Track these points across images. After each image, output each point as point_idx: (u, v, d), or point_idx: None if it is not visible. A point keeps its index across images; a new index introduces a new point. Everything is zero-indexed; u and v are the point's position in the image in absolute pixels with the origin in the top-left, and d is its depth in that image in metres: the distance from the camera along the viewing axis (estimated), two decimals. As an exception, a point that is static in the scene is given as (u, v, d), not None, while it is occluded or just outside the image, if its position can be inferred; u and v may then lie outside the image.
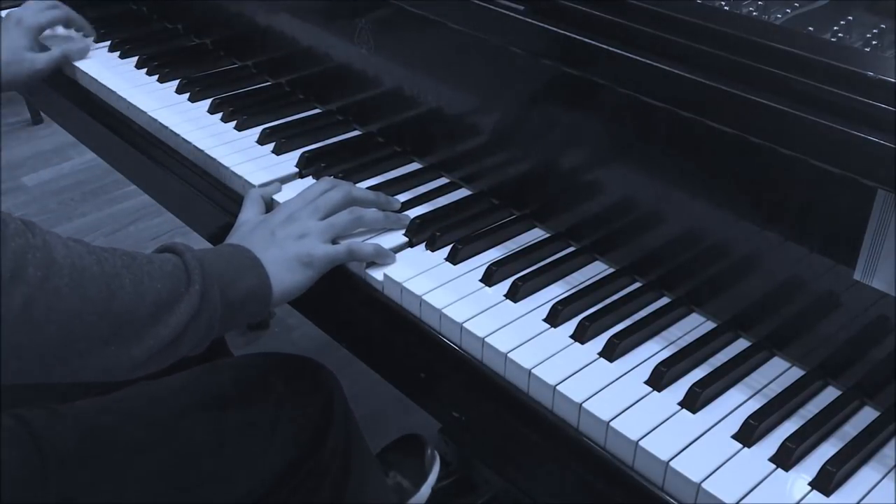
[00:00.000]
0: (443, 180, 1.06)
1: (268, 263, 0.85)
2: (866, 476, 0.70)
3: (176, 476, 0.87)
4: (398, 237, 0.95)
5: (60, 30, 1.39)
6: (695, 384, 0.76)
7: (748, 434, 0.72)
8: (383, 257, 0.91)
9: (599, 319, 0.83)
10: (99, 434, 0.85)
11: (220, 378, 0.96)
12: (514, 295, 0.86)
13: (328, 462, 0.96)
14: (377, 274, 0.90)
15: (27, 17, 1.28)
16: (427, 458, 1.40)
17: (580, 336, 0.82)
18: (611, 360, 0.80)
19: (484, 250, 0.93)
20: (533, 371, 0.78)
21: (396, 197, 1.01)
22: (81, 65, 1.32)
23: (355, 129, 1.17)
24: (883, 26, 0.82)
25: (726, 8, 0.85)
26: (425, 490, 1.36)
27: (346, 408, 1.00)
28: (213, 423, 0.91)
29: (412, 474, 1.38)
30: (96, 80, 1.28)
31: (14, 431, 0.80)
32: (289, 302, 1.11)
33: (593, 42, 0.82)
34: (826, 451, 0.72)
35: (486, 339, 0.81)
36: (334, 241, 0.92)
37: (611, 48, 0.80)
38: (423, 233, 0.95)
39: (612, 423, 0.73)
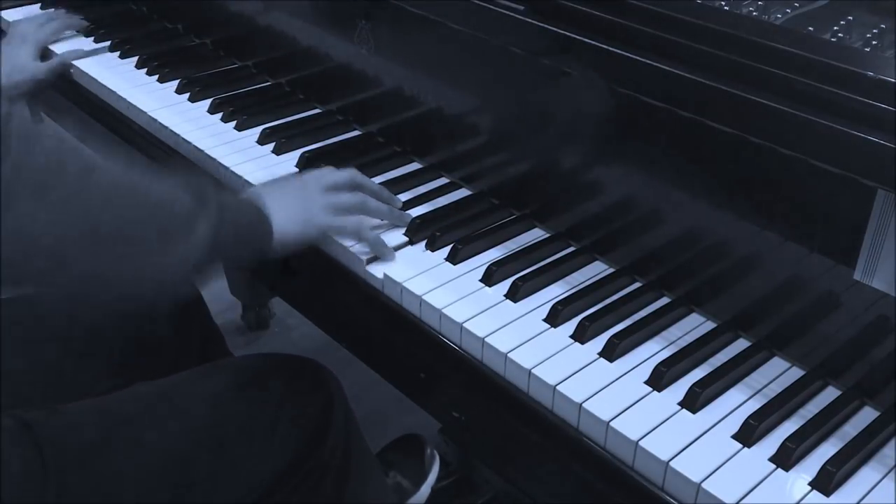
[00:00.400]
0: (443, 180, 1.06)
1: (272, 205, 0.89)
2: (866, 476, 0.70)
3: (176, 476, 0.87)
4: (398, 237, 0.95)
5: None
6: (695, 384, 0.76)
7: (748, 434, 0.72)
8: (382, 249, 0.92)
9: (599, 319, 0.83)
10: (99, 434, 0.85)
11: (219, 379, 0.96)
12: (514, 295, 0.86)
13: (328, 462, 0.96)
14: (377, 274, 0.90)
15: (30, 34, 1.34)
16: (427, 458, 1.40)
17: (580, 336, 0.82)
18: (611, 360, 0.80)
19: (484, 250, 0.93)
20: (533, 371, 0.78)
21: (397, 196, 1.01)
22: (81, 65, 1.32)
23: (355, 129, 1.17)
24: (883, 26, 0.82)
25: (726, 8, 0.85)
26: (425, 489, 1.37)
27: (347, 408, 1.00)
28: (212, 423, 0.91)
29: (412, 474, 1.38)
30: (96, 80, 1.28)
31: (14, 432, 0.80)
32: (289, 302, 1.11)
33: (593, 42, 0.82)
34: (826, 451, 0.72)
35: (486, 339, 0.81)
36: None
37: (611, 48, 0.80)
38: (423, 232, 0.95)
39: (612, 423, 0.73)
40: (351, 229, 0.93)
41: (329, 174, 0.97)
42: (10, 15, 1.49)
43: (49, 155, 0.70)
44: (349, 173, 0.97)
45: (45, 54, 1.35)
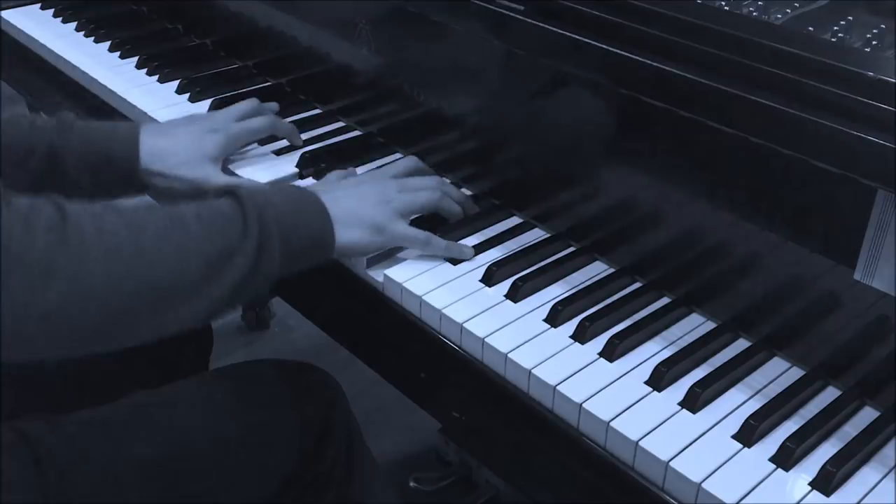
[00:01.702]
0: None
1: (339, 212, 0.85)
2: (866, 476, 0.70)
3: (177, 485, 0.87)
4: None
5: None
6: (695, 384, 0.76)
7: (748, 434, 0.72)
8: (458, 251, 0.91)
9: (599, 319, 0.83)
10: (98, 444, 0.84)
11: (220, 386, 0.95)
12: (514, 295, 0.86)
13: (331, 468, 0.96)
14: (377, 274, 0.90)
15: (226, 127, 1.04)
16: None
17: (580, 336, 0.82)
18: (611, 360, 0.80)
19: (484, 250, 0.93)
20: (533, 371, 0.78)
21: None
22: (81, 65, 1.32)
23: (355, 129, 1.17)
24: (883, 26, 0.82)
25: (726, 8, 0.85)
26: None
27: (349, 413, 1.00)
28: (214, 431, 0.90)
29: None
30: (96, 81, 1.28)
31: (12, 442, 0.80)
32: (289, 302, 1.11)
33: (593, 42, 0.82)
34: (826, 451, 0.72)
35: (487, 340, 0.81)
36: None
37: (611, 48, 0.80)
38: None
39: (612, 423, 0.73)
40: (421, 241, 0.90)
41: (412, 182, 0.94)
42: (11, 15, 1.49)
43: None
44: (437, 195, 0.94)
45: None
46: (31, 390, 0.95)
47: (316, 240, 0.83)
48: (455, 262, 0.91)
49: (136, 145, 0.98)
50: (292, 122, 1.18)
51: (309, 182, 1.05)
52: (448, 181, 1.00)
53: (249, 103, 1.10)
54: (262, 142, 1.13)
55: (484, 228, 0.97)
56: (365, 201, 0.88)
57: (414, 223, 0.92)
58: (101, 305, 0.68)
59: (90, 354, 0.73)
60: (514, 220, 0.98)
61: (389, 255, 0.92)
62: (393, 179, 0.94)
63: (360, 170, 1.06)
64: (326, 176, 0.99)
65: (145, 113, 1.19)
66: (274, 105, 1.14)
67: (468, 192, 1.03)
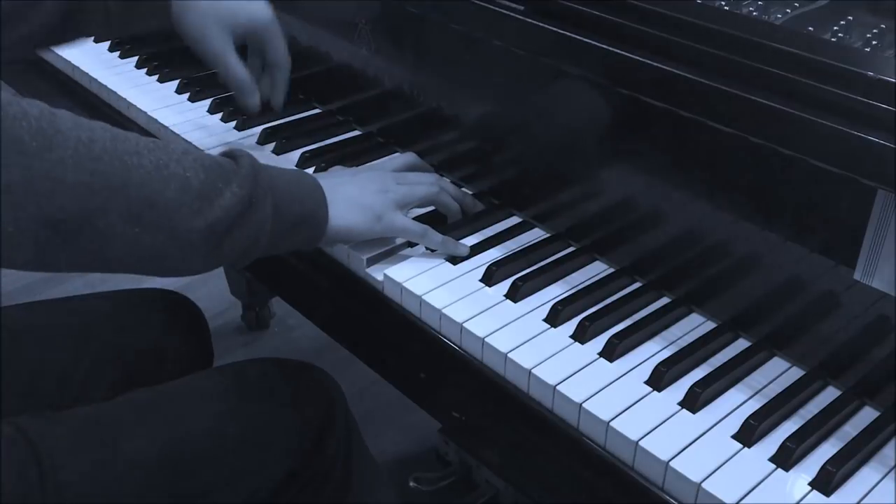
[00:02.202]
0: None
1: (336, 197, 0.84)
2: (866, 476, 0.70)
3: (175, 484, 0.87)
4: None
5: None
6: (695, 384, 0.76)
7: (748, 434, 0.72)
8: (453, 248, 0.91)
9: (599, 319, 0.83)
10: (97, 441, 0.85)
11: (219, 385, 0.95)
12: (514, 295, 0.86)
13: (330, 467, 0.96)
14: (377, 274, 0.90)
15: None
16: None
17: (580, 336, 0.82)
18: (611, 360, 0.80)
19: (484, 250, 0.93)
20: (533, 371, 0.78)
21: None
22: (81, 64, 1.32)
23: (355, 129, 1.17)
24: (883, 26, 0.82)
25: (726, 8, 0.85)
26: None
27: (347, 412, 1.00)
28: (212, 428, 0.90)
29: None
30: (96, 80, 1.28)
31: (11, 439, 0.80)
32: (289, 302, 1.11)
33: (593, 42, 0.82)
34: (826, 451, 0.72)
35: (486, 339, 0.81)
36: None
37: (611, 48, 0.80)
38: (423, 233, 0.95)
39: (612, 423, 0.73)
40: (418, 233, 0.90)
41: (412, 176, 0.94)
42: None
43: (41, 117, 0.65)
44: (435, 189, 0.94)
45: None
46: (31, 387, 0.95)
47: (308, 216, 0.82)
48: (455, 261, 0.91)
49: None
50: (292, 121, 1.18)
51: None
52: (447, 179, 1.00)
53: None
54: (262, 140, 1.13)
55: (483, 228, 0.97)
56: (364, 189, 0.88)
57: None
58: (68, 192, 0.65)
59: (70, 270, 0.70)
60: (514, 220, 0.98)
61: (389, 254, 0.92)
62: (392, 173, 0.94)
63: (360, 170, 1.07)
64: (330, 169, 1.00)
65: (145, 113, 1.19)
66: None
67: (469, 192, 1.03)
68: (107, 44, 1.38)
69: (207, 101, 1.22)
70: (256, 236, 0.76)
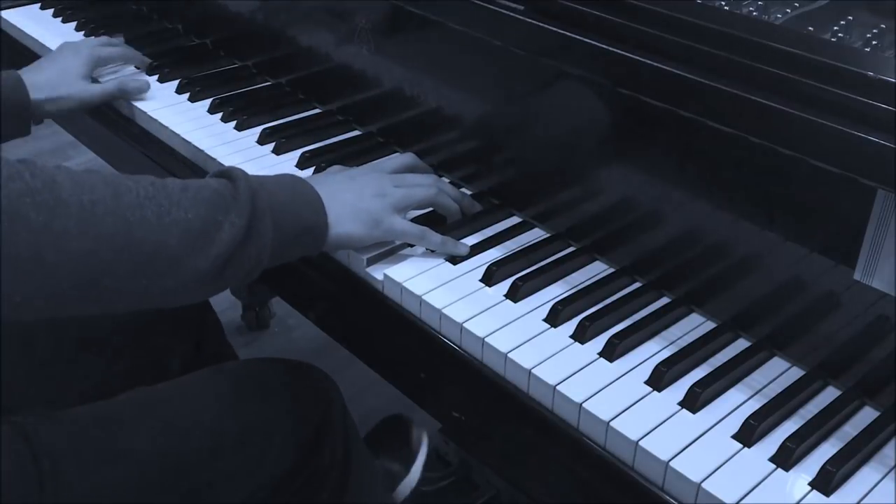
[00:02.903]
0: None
1: (335, 204, 0.85)
2: (866, 476, 0.70)
3: (174, 482, 0.87)
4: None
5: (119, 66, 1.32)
6: (695, 384, 0.76)
7: (748, 434, 0.72)
8: (453, 248, 0.91)
9: (599, 319, 0.83)
10: (95, 440, 0.85)
11: (218, 384, 0.95)
12: (514, 295, 0.86)
13: (327, 467, 0.96)
14: (377, 274, 0.90)
15: (85, 48, 1.23)
16: (414, 438, 1.36)
17: (580, 336, 0.82)
18: (611, 360, 0.80)
19: (484, 250, 0.93)
20: (533, 371, 0.78)
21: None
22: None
23: (355, 129, 1.17)
24: (883, 26, 0.82)
25: (726, 8, 0.85)
26: (416, 471, 1.33)
27: (345, 412, 1.00)
28: (211, 427, 0.90)
29: (400, 457, 1.35)
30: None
31: (9, 438, 0.80)
32: (288, 302, 1.11)
33: (593, 42, 0.82)
34: (826, 451, 0.72)
35: (486, 339, 0.81)
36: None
37: (611, 48, 0.80)
38: (423, 233, 0.95)
39: (612, 423, 0.73)
40: (417, 236, 0.90)
41: (410, 178, 0.94)
42: (10, 15, 1.49)
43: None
44: (433, 192, 0.94)
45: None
46: (30, 386, 0.95)
47: (309, 228, 0.83)
48: (455, 261, 0.91)
49: (21, 82, 1.10)
50: (292, 121, 1.18)
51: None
52: (446, 180, 1.00)
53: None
54: (262, 140, 1.13)
55: (483, 228, 0.97)
56: (362, 194, 0.88)
57: (415, 223, 0.92)
58: (75, 260, 0.66)
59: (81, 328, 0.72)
60: (514, 220, 0.98)
61: (389, 254, 0.92)
62: (390, 174, 0.94)
63: (360, 170, 1.07)
64: (327, 169, 0.99)
65: (145, 113, 1.19)
66: None
67: (468, 192, 1.03)
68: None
69: (207, 101, 1.22)
70: (259, 258, 0.77)
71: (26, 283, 0.65)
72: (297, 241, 0.82)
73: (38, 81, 1.13)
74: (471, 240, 0.94)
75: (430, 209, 0.97)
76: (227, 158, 1.09)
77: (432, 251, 0.92)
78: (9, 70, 1.12)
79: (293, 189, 0.83)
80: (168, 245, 0.71)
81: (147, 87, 1.23)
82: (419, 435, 1.36)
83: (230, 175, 0.78)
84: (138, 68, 1.31)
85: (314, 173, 1.06)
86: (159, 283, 0.71)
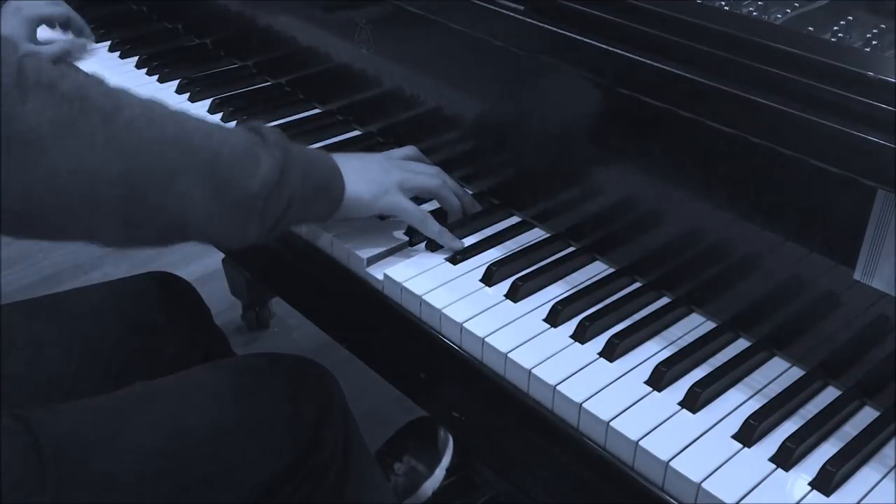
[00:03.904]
0: (443, 180, 1.06)
1: (346, 169, 0.87)
2: (866, 476, 0.70)
3: (174, 476, 0.87)
4: (399, 236, 0.95)
5: (58, 33, 1.37)
6: (695, 384, 0.76)
7: (748, 434, 0.72)
8: (448, 241, 0.92)
9: (599, 319, 0.83)
10: (98, 431, 0.85)
11: (218, 378, 0.96)
12: (514, 295, 0.86)
13: (327, 463, 0.96)
14: (377, 274, 0.90)
15: (26, 7, 1.24)
16: (440, 441, 1.40)
17: (580, 336, 0.82)
18: (611, 360, 0.80)
19: (484, 250, 0.93)
20: (533, 371, 0.78)
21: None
22: (81, 65, 1.32)
23: (355, 129, 1.17)
24: (883, 26, 0.82)
25: (726, 8, 0.85)
26: (439, 472, 1.36)
27: (345, 408, 1.00)
28: (211, 423, 0.91)
29: (426, 457, 1.37)
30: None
31: (12, 430, 0.80)
32: (289, 302, 1.11)
33: (593, 42, 0.82)
34: (826, 451, 0.72)
35: (486, 339, 0.81)
36: None
37: (611, 48, 0.80)
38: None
39: (612, 423, 0.73)
40: (417, 217, 0.92)
41: (418, 166, 0.96)
42: (10, 15, 1.49)
43: (71, 92, 0.66)
44: (438, 181, 0.96)
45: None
46: (32, 379, 0.95)
47: (328, 182, 0.85)
48: (455, 261, 0.91)
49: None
50: (292, 121, 1.18)
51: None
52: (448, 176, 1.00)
53: None
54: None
55: (483, 228, 0.97)
56: (370, 166, 0.90)
57: None
58: (149, 152, 0.68)
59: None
60: (514, 220, 0.98)
61: (389, 254, 0.92)
62: (396, 160, 0.96)
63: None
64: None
65: (145, 113, 1.19)
66: None
67: (469, 192, 1.03)
68: (107, 44, 1.38)
69: (207, 101, 1.22)
70: (290, 200, 0.79)
71: (106, 169, 0.67)
72: (318, 195, 0.84)
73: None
74: (471, 240, 0.94)
75: (435, 206, 0.97)
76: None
77: (429, 248, 0.92)
78: None
79: (307, 149, 0.86)
80: (222, 157, 0.73)
81: (86, 48, 1.26)
82: (445, 437, 1.38)
83: (254, 127, 0.80)
84: (84, 37, 1.33)
85: None
86: (221, 198, 0.73)
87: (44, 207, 0.67)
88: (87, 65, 1.32)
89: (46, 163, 0.64)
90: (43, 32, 1.32)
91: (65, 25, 1.35)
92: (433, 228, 0.92)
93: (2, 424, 0.80)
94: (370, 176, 0.89)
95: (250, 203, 0.76)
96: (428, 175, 0.95)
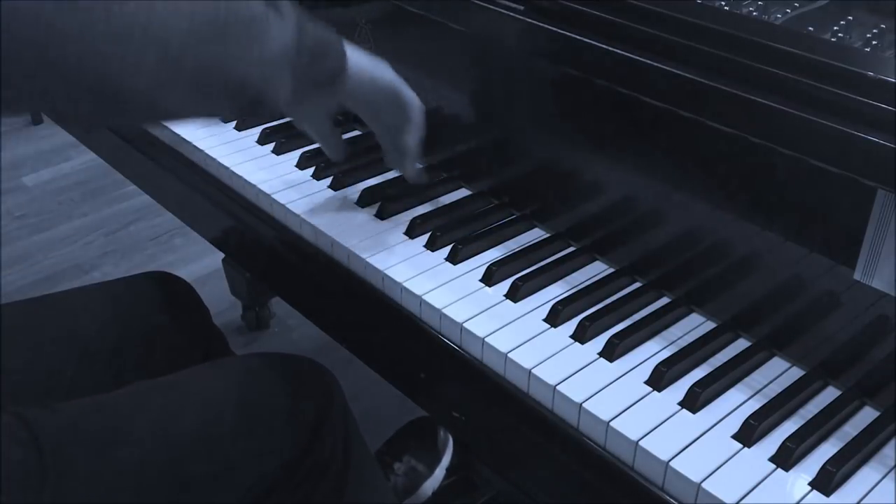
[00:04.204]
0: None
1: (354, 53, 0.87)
2: (866, 476, 0.70)
3: (174, 475, 0.87)
4: (399, 235, 0.95)
5: None
6: (695, 384, 0.76)
7: (748, 434, 0.72)
8: (415, 174, 0.96)
9: (599, 319, 0.83)
10: (97, 432, 0.85)
11: (217, 378, 0.96)
12: (514, 295, 0.86)
13: (327, 462, 0.96)
14: (377, 273, 0.90)
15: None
16: (440, 441, 1.40)
17: (580, 336, 0.82)
18: (611, 360, 0.80)
19: (484, 250, 0.93)
20: (533, 371, 0.78)
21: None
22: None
23: (355, 130, 1.17)
24: (883, 26, 0.82)
25: (726, 8, 0.85)
26: (439, 472, 1.36)
27: (345, 408, 1.00)
28: (210, 422, 0.91)
29: (426, 457, 1.38)
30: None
31: (12, 429, 0.80)
32: (288, 302, 1.11)
33: (593, 42, 0.82)
34: (826, 451, 0.72)
35: (486, 339, 0.81)
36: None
37: (611, 48, 0.80)
38: (423, 232, 0.95)
39: (612, 423, 0.73)
40: (419, 106, 0.92)
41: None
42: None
43: None
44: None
45: None
46: (32, 379, 0.95)
47: (330, 43, 0.85)
48: (455, 261, 0.91)
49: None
50: (292, 122, 1.18)
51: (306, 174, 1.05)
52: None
53: None
54: (262, 140, 1.13)
55: (483, 228, 0.97)
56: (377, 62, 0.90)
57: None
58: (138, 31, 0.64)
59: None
60: (514, 220, 0.98)
61: (390, 254, 0.92)
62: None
63: (359, 168, 1.07)
64: None
65: (145, 113, 1.19)
66: None
67: (468, 192, 1.03)
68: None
69: (207, 101, 1.21)
70: (282, 37, 0.77)
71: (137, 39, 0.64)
72: (325, 54, 0.84)
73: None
74: (473, 244, 0.94)
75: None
76: (227, 158, 1.09)
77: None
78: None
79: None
80: (241, 16, 0.71)
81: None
82: (445, 437, 1.38)
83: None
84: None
85: (314, 172, 1.06)
86: (245, 49, 0.71)
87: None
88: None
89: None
90: None
91: None
92: (410, 145, 0.93)
93: (2, 423, 0.80)
94: (375, 61, 0.89)
95: (270, 58, 0.74)
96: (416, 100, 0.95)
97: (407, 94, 0.93)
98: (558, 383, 0.76)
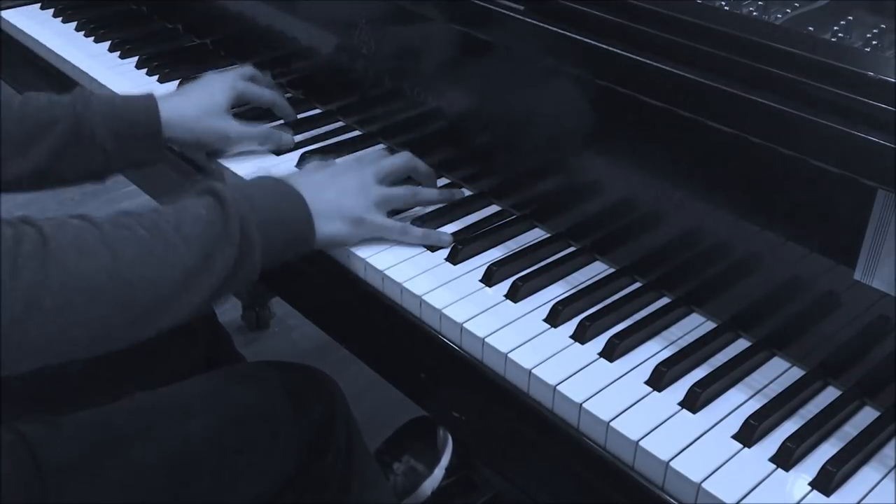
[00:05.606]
0: (443, 181, 1.06)
1: (319, 207, 0.87)
2: (866, 476, 0.70)
3: (176, 487, 0.87)
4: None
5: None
6: (695, 384, 0.76)
7: (748, 434, 0.72)
8: (435, 238, 0.93)
9: (599, 319, 0.83)
10: (98, 445, 0.85)
11: (219, 388, 0.95)
12: (514, 295, 0.86)
13: (331, 469, 0.96)
14: (377, 273, 0.90)
15: (240, 77, 1.12)
16: (440, 441, 1.40)
17: (580, 336, 0.82)
18: (611, 360, 0.80)
19: (484, 250, 0.93)
20: (533, 371, 0.78)
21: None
22: (82, 65, 1.32)
23: (355, 130, 1.17)
24: (883, 26, 0.82)
25: (726, 8, 0.85)
26: (438, 472, 1.36)
27: (348, 414, 1.00)
28: (214, 432, 0.90)
29: (425, 457, 1.38)
30: (96, 81, 1.28)
31: (12, 445, 0.80)
32: (288, 302, 1.11)
33: (593, 42, 0.82)
34: (826, 451, 0.72)
35: (487, 340, 0.81)
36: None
37: (611, 48, 0.80)
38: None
39: (612, 423, 0.73)
40: (398, 231, 0.92)
41: (385, 162, 0.96)
42: (10, 15, 1.49)
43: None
44: (404, 157, 0.97)
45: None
46: (32, 391, 0.95)
47: (298, 234, 0.85)
48: (455, 261, 0.91)
49: (155, 108, 1.02)
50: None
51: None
52: (419, 161, 1.00)
53: (248, 69, 1.16)
54: (262, 141, 1.13)
55: (483, 228, 0.97)
56: (344, 193, 0.90)
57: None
58: (82, 328, 0.70)
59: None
60: (514, 220, 0.98)
61: (389, 254, 0.92)
62: (372, 165, 0.95)
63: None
64: (306, 165, 1.01)
65: (145, 113, 1.19)
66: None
67: (468, 192, 1.03)
68: (107, 44, 1.38)
69: (207, 101, 1.21)
70: (250, 275, 0.81)
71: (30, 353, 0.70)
72: (287, 248, 0.85)
73: (175, 107, 1.04)
74: (473, 244, 0.94)
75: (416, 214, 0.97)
76: (227, 158, 1.09)
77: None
78: (146, 93, 1.05)
79: (279, 197, 0.85)
80: (166, 290, 0.74)
81: (291, 144, 1.10)
82: (444, 437, 1.38)
83: (219, 195, 0.79)
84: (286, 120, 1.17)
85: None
86: (154, 324, 0.75)
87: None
88: (88, 66, 1.32)
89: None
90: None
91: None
92: (416, 234, 0.92)
93: (1, 440, 0.79)
94: (344, 206, 0.89)
95: (194, 309, 0.77)
96: (395, 157, 0.96)
97: (386, 229, 0.92)
98: (558, 383, 0.76)
